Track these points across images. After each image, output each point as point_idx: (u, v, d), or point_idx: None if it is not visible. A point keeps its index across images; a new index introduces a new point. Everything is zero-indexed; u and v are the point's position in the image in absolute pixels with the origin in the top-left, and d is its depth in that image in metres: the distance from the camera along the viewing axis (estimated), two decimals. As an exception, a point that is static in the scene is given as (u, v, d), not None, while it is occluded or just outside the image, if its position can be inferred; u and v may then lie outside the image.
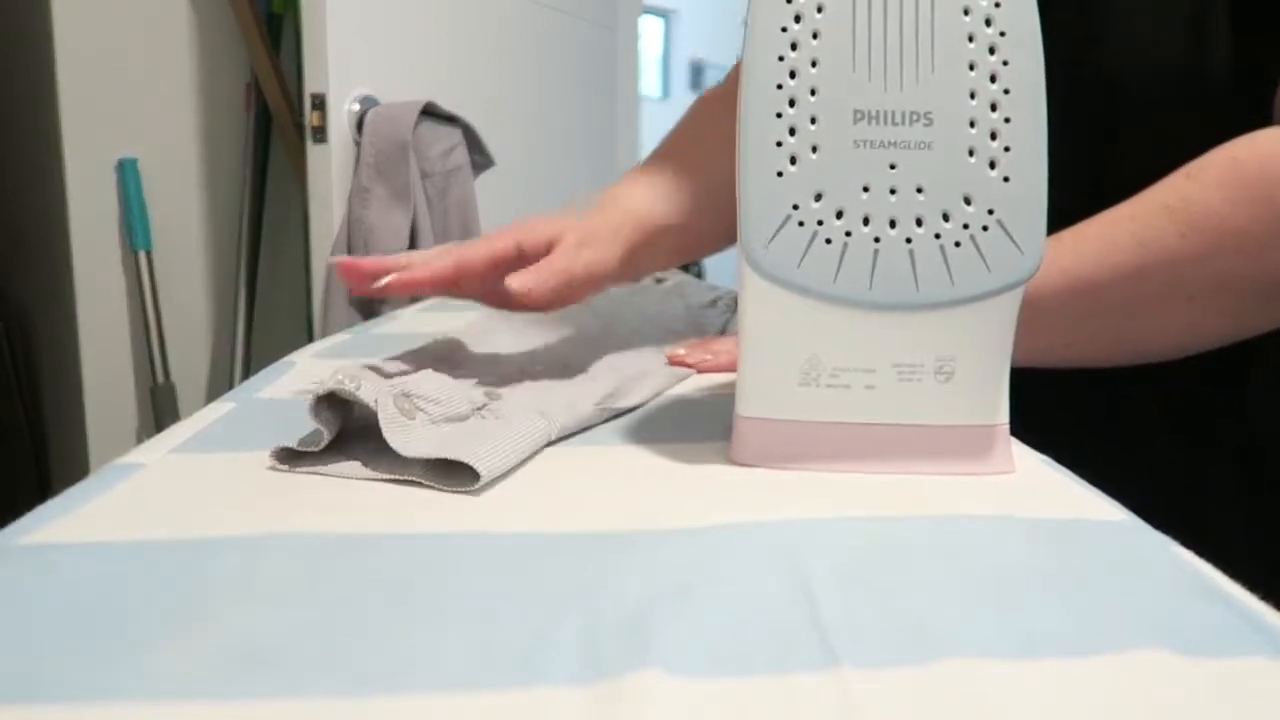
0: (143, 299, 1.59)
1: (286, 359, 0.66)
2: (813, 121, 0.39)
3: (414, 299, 1.34)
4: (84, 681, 0.24)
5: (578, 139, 2.19)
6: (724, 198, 0.46)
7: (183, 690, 0.24)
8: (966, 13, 0.39)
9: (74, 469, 1.62)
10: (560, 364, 0.60)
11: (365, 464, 0.41)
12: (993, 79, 0.39)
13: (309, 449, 0.41)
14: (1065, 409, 0.58)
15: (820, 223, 0.40)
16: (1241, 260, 0.48)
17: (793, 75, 0.39)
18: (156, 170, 1.62)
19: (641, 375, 0.56)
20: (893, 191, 0.39)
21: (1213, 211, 0.48)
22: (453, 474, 0.39)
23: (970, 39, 0.39)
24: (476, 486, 0.38)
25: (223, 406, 0.52)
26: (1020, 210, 0.39)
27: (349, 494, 0.38)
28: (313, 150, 1.37)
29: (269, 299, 1.77)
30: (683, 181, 0.63)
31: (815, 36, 0.39)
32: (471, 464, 0.38)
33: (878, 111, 0.39)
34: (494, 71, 1.80)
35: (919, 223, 0.39)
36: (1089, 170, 0.57)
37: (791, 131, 0.39)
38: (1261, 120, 0.51)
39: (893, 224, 0.40)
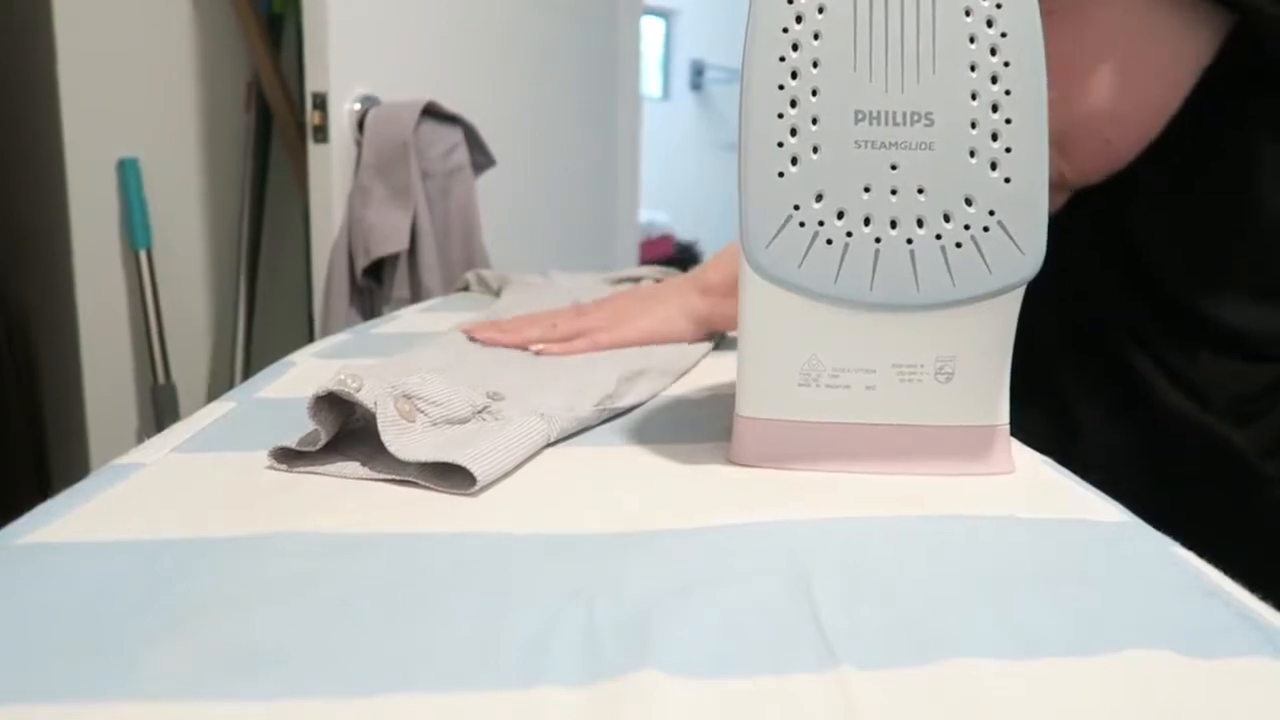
0: (143, 299, 1.59)
1: (286, 359, 0.65)
2: (814, 122, 0.39)
3: (414, 300, 1.35)
4: (84, 681, 0.24)
5: (578, 139, 2.19)
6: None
7: (183, 690, 0.24)
8: (968, 14, 0.39)
9: (74, 469, 1.62)
10: (559, 364, 0.60)
11: (364, 464, 0.41)
12: (994, 80, 0.39)
13: (307, 448, 0.41)
14: None
15: (821, 223, 0.40)
16: None
17: (794, 76, 0.39)
18: (156, 170, 1.62)
19: (639, 375, 0.56)
20: (894, 192, 0.39)
21: None
22: (451, 475, 0.39)
23: (971, 40, 0.39)
24: (473, 489, 0.38)
25: (223, 406, 0.52)
26: (1021, 211, 0.39)
27: (349, 494, 0.38)
28: (313, 150, 1.37)
29: (269, 299, 1.77)
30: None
31: (816, 37, 0.39)
32: (468, 467, 0.38)
33: (879, 112, 0.39)
34: (494, 71, 1.80)
35: (920, 223, 0.39)
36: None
37: (793, 132, 0.39)
38: None
39: (894, 224, 0.40)
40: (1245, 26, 0.57)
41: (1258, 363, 0.62)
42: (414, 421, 0.42)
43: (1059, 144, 0.60)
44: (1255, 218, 0.61)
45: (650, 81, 4.88)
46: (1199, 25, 0.57)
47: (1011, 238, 0.39)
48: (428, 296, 1.33)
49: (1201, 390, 0.63)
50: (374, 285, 1.39)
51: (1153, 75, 0.59)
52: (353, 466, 0.41)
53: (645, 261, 1.26)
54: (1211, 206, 0.63)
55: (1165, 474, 0.64)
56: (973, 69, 0.39)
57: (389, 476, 0.40)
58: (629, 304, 0.73)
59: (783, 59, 0.39)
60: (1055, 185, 0.63)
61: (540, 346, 0.67)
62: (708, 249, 4.29)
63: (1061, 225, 0.66)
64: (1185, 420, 0.63)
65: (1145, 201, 0.64)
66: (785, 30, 0.39)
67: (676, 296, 0.72)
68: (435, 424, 0.43)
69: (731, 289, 0.69)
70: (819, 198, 0.40)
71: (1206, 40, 0.58)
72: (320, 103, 1.34)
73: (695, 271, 0.74)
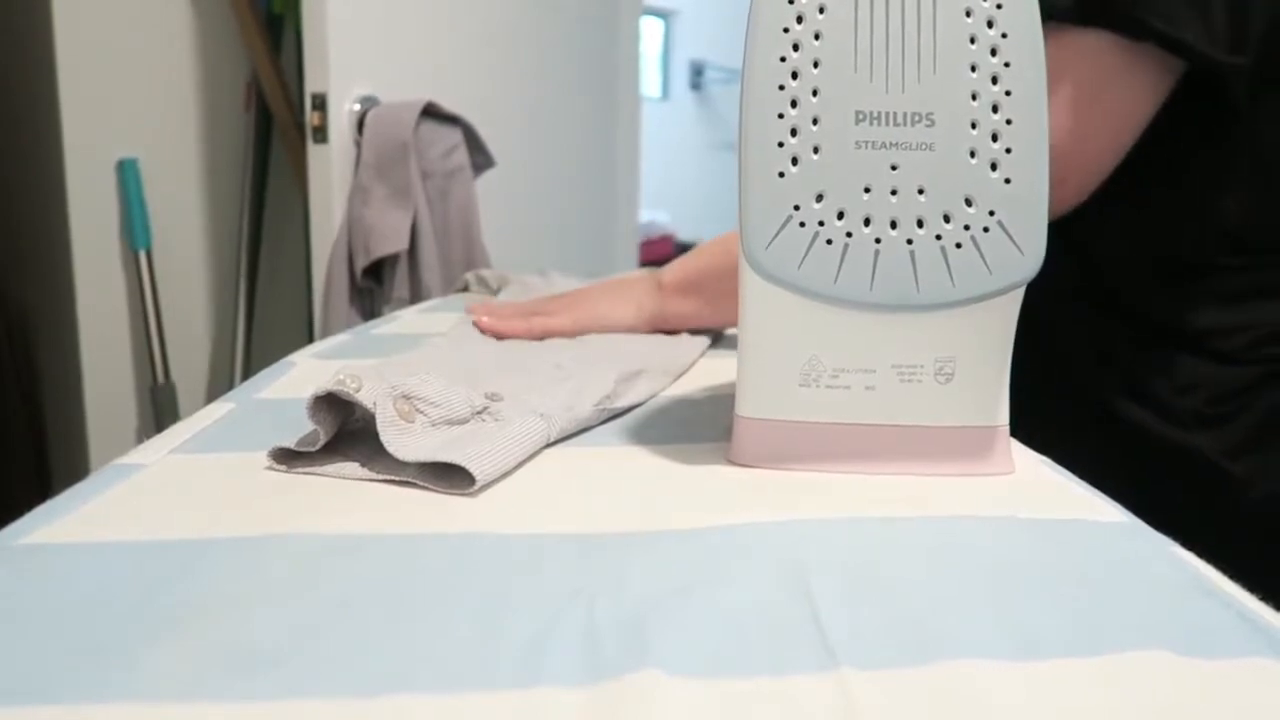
0: (143, 299, 1.59)
1: (286, 359, 0.65)
2: (814, 122, 0.39)
3: (414, 300, 1.35)
4: (84, 681, 0.24)
5: (578, 139, 2.19)
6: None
7: (182, 690, 0.24)
8: (968, 14, 0.39)
9: (74, 469, 1.62)
10: (558, 365, 0.60)
11: (363, 464, 0.41)
12: (994, 80, 0.39)
13: (306, 449, 0.41)
14: None
15: (821, 223, 0.40)
16: None
17: (794, 76, 0.39)
18: (156, 170, 1.62)
19: (637, 375, 0.56)
20: (894, 192, 0.39)
21: None
22: (449, 476, 0.39)
23: (972, 40, 0.39)
24: (472, 489, 0.38)
25: (222, 407, 0.52)
26: (1021, 212, 0.39)
27: (348, 494, 0.38)
28: (313, 150, 1.37)
29: (269, 299, 1.77)
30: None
31: (817, 38, 0.39)
32: (467, 467, 0.38)
33: (879, 112, 0.39)
34: (494, 72, 1.80)
35: (920, 224, 0.39)
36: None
37: (793, 132, 0.39)
38: None
39: (894, 225, 0.40)
40: (1199, 72, 0.57)
41: (1227, 365, 0.62)
42: (413, 422, 0.42)
43: None
44: (1207, 224, 0.62)
45: (650, 82, 4.88)
46: (1151, 70, 0.57)
47: (1011, 238, 0.39)
48: (428, 297, 1.33)
49: (1164, 398, 0.63)
50: (374, 285, 1.39)
51: (1101, 116, 0.58)
52: (352, 467, 0.41)
53: (645, 262, 1.26)
54: (1163, 215, 0.63)
55: (1133, 486, 0.64)
56: (973, 69, 0.39)
57: (388, 477, 0.40)
58: (591, 291, 0.77)
59: (783, 59, 0.39)
60: None
61: (489, 321, 0.72)
62: (707, 249, 4.28)
63: None
64: (1145, 431, 0.64)
65: (1098, 210, 0.64)
66: (786, 30, 0.39)
67: (633, 289, 0.76)
68: (434, 424, 0.43)
69: (681, 289, 0.73)
70: (819, 198, 0.40)
71: (1158, 84, 0.58)
72: (319, 103, 1.34)
73: (662, 268, 0.77)
